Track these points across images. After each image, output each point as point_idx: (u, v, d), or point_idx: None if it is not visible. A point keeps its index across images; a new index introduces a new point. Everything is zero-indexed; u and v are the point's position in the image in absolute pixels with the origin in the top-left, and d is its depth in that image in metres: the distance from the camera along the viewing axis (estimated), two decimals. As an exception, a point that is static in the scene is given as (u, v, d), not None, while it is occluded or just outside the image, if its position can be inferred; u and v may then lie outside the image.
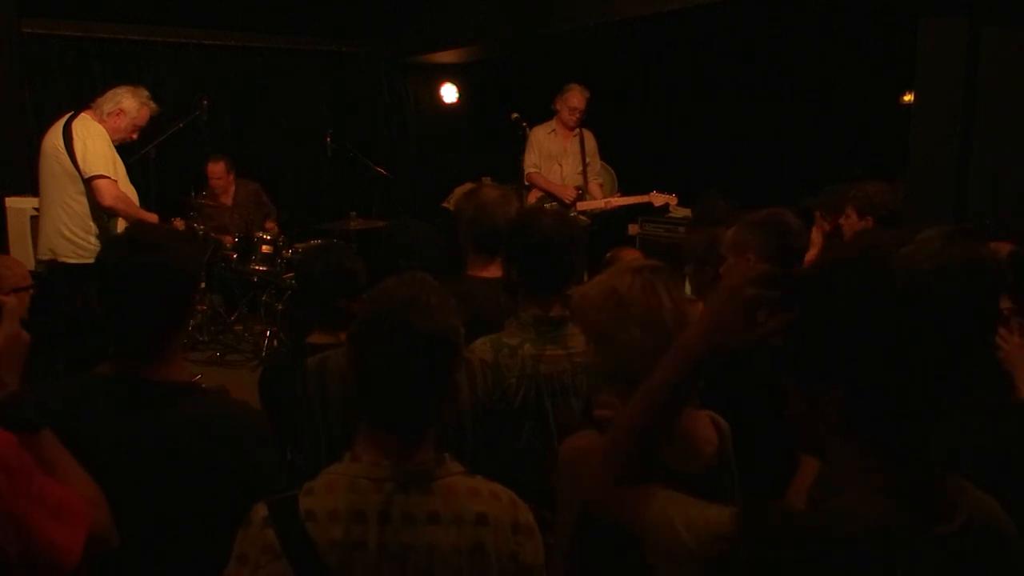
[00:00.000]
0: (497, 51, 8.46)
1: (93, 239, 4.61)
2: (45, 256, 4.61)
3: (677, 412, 1.32)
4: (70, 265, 4.49)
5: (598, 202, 6.20)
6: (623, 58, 8.06)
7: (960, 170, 4.62)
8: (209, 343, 6.48)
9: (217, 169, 6.85)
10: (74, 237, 4.57)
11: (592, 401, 1.80)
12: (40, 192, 4.74)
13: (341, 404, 2.17)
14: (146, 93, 4.84)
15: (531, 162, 6.17)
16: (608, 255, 3.67)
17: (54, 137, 4.58)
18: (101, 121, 4.65)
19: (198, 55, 7.83)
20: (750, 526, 1.11)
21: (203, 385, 1.81)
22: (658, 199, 6.09)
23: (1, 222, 5.49)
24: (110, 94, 4.75)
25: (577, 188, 6.18)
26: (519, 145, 6.02)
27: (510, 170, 6.24)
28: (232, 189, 7.02)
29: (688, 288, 3.25)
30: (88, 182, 4.52)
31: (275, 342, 6.12)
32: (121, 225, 4.67)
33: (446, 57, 8.71)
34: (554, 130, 6.24)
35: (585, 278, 2.26)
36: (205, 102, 6.51)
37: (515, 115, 5.83)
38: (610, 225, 6.42)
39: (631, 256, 3.39)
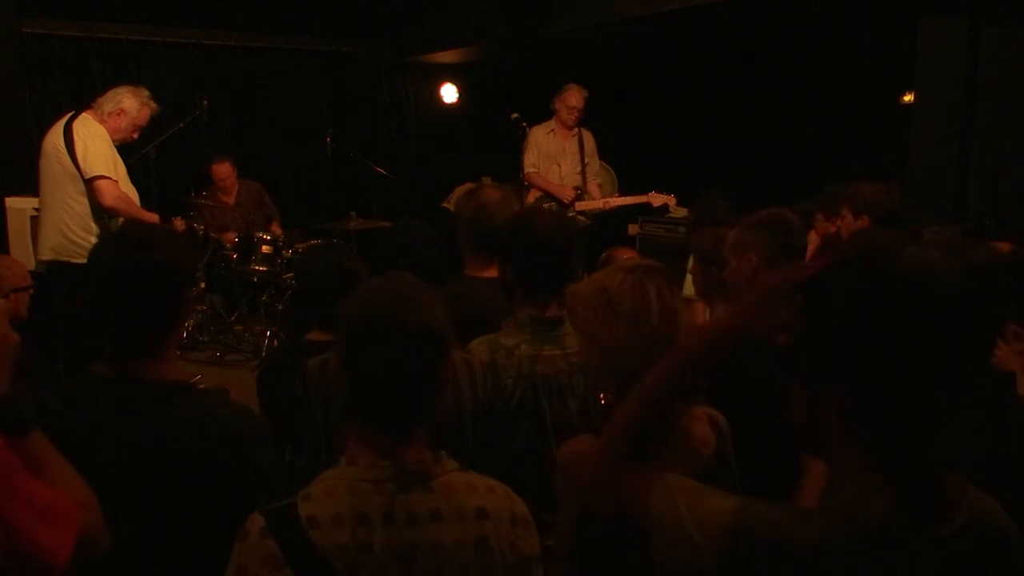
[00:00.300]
0: (497, 51, 8.46)
1: (94, 239, 4.58)
2: (45, 256, 4.61)
3: (672, 410, 1.32)
4: (71, 265, 4.49)
5: (596, 202, 6.19)
6: (623, 58, 8.06)
7: (960, 170, 4.62)
8: (209, 343, 6.48)
9: (224, 169, 6.90)
10: (75, 237, 4.56)
11: (589, 401, 1.81)
12: (40, 192, 4.73)
13: (342, 405, 2.17)
14: (146, 93, 4.84)
15: (530, 162, 6.16)
16: (604, 255, 3.67)
17: (55, 137, 4.57)
18: (102, 121, 4.64)
19: (198, 55, 7.84)
20: (751, 523, 1.11)
21: (203, 385, 1.80)
22: (657, 199, 6.09)
23: (1, 222, 5.50)
24: (110, 94, 4.74)
25: (576, 188, 6.17)
26: (519, 145, 6.02)
27: (510, 170, 6.23)
28: (236, 188, 7.06)
29: (691, 288, 3.26)
30: (89, 182, 4.51)
31: (275, 342, 6.12)
32: (121, 225, 4.68)
33: (446, 57, 8.72)
34: (553, 130, 6.23)
35: (583, 278, 2.26)
36: (205, 102, 6.52)
37: (515, 115, 5.83)
38: (609, 225, 6.41)
39: (626, 256, 3.38)
